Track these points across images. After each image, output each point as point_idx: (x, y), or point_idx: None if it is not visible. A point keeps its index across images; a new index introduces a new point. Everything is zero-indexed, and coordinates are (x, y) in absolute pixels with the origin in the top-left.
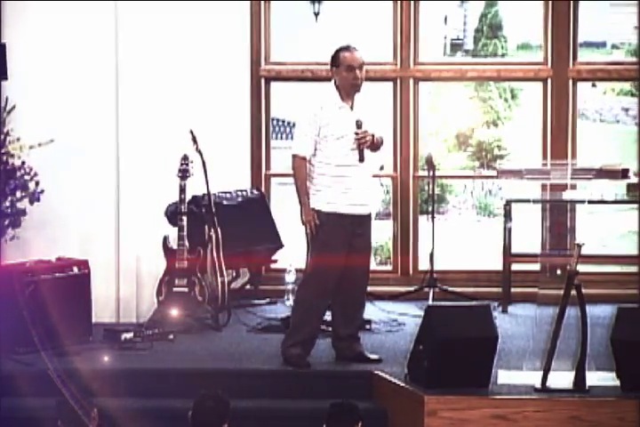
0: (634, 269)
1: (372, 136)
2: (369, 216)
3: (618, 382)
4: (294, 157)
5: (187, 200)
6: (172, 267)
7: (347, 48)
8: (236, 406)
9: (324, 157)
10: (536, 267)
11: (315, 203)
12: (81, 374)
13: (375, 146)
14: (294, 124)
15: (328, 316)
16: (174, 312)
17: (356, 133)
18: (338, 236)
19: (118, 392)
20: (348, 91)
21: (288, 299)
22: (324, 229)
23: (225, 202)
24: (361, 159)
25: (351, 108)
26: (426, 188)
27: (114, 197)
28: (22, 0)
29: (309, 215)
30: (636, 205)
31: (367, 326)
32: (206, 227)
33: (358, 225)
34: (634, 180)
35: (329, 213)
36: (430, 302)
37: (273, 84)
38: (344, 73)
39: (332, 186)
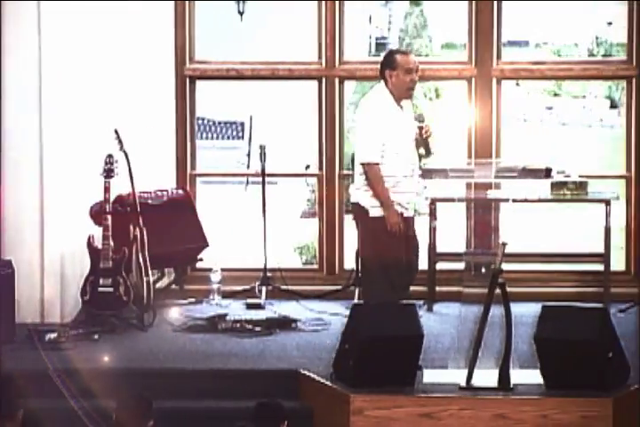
0: (558, 267)
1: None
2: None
3: (542, 381)
4: (369, 164)
5: (112, 200)
6: (97, 267)
7: (403, 51)
8: (162, 406)
9: (386, 162)
10: (461, 265)
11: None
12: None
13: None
14: (220, 123)
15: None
16: (99, 312)
17: (420, 128)
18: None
19: (43, 393)
20: (402, 93)
21: (213, 298)
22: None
23: (150, 201)
24: (428, 152)
25: (401, 109)
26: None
27: (38, 196)
28: None
29: (395, 217)
30: (559, 204)
31: (293, 325)
32: (131, 226)
33: (409, 226)
34: (557, 178)
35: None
36: (356, 301)
37: (198, 83)
38: (402, 76)
39: (393, 187)
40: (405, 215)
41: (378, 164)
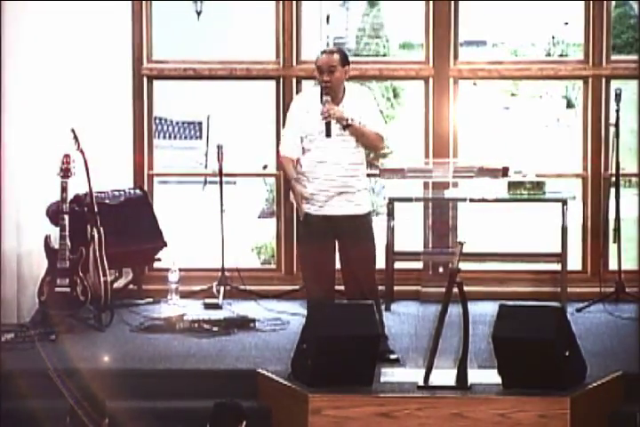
0: (515, 266)
1: (348, 119)
2: (351, 217)
3: (499, 380)
4: (277, 153)
5: (69, 199)
6: (54, 267)
7: (324, 50)
8: (120, 406)
9: (303, 157)
10: (419, 265)
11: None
12: None
13: (353, 128)
14: (177, 123)
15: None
16: (56, 312)
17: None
18: (313, 235)
19: None
20: (322, 91)
21: (171, 298)
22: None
23: (107, 201)
24: (327, 134)
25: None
26: None
27: None
28: None
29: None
30: (516, 204)
31: (251, 325)
32: (88, 226)
33: (339, 227)
34: (514, 178)
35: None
36: None
37: (155, 83)
38: (317, 74)
39: (308, 185)
40: (326, 213)
41: (285, 157)
